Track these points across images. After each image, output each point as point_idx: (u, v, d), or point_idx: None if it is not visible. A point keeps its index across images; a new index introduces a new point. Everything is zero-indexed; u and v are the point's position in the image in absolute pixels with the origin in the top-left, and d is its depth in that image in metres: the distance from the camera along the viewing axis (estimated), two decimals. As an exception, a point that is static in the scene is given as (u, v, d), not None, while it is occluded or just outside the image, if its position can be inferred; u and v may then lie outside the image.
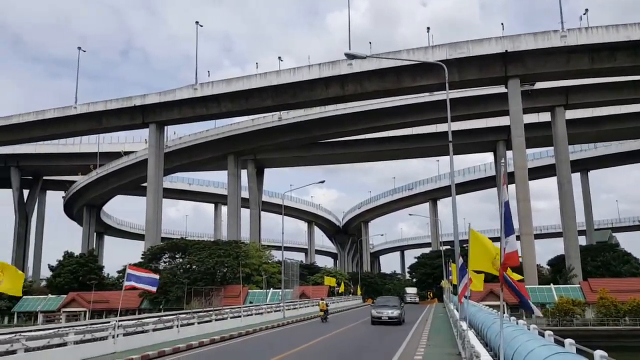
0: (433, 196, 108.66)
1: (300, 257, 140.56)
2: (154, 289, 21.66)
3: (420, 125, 73.21)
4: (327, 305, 34.90)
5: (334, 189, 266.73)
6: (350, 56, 23.77)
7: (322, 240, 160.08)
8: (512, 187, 53.93)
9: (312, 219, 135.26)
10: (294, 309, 42.78)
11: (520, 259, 45.82)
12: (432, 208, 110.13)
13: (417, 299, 69.59)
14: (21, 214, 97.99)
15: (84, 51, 77.49)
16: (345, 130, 73.00)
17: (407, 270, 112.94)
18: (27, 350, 15.18)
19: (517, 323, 14.07)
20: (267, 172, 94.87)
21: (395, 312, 30.37)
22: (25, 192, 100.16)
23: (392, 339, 22.14)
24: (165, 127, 71.40)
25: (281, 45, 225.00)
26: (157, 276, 21.93)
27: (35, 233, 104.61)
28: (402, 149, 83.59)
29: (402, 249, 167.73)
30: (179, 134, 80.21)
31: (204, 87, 64.19)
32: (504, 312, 9.44)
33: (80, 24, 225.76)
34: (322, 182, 45.67)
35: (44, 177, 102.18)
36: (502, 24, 55.94)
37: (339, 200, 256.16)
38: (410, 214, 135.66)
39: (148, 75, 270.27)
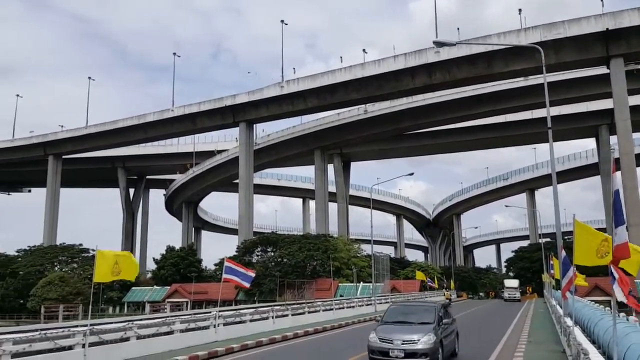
0: (530, 186, 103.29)
1: (389, 250, 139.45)
2: (247, 284, 22.41)
3: (514, 111, 69.80)
4: (450, 295, 35.21)
5: (422, 180, 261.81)
6: (439, 44, 23.13)
7: (411, 233, 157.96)
8: (617, 174, 49.94)
9: (401, 212, 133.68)
10: (386, 302, 42.53)
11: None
12: (529, 199, 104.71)
13: (519, 295, 60.85)
14: (128, 211, 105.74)
15: (179, 56, 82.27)
16: (434, 120, 71.25)
17: (503, 264, 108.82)
18: (138, 337, 16.31)
19: (627, 320, 13.05)
20: (354, 165, 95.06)
21: (421, 340, 12.68)
22: (131, 191, 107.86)
23: (490, 334, 21.32)
24: (254, 125, 73.67)
25: (364, 37, 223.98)
26: (252, 273, 22.67)
27: (141, 228, 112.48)
28: (495, 138, 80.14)
29: (497, 242, 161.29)
30: (267, 132, 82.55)
31: (290, 84, 65.41)
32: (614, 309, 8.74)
33: (176, 31, 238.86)
34: (411, 174, 45.05)
35: (147, 177, 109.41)
36: (601, 0, 51.66)
37: (427, 192, 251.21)
38: (506, 205, 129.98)
39: (237, 75, 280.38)
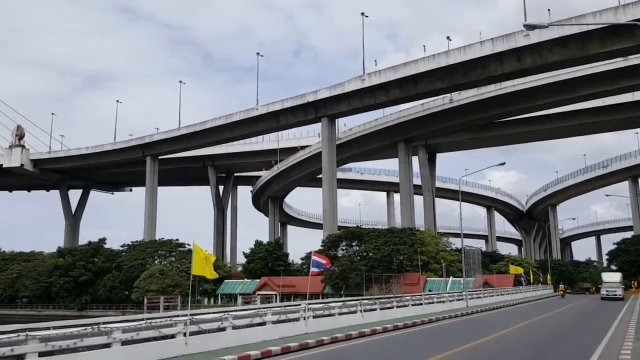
0: (633, 173, 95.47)
1: (479, 244, 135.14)
2: (336, 269, 22.69)
3: (613, 94, 64.75)
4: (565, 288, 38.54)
5: (513, 170, 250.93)
6: (530, 27, 21.85)
7: (503, 226, 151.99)
8: None
9: (491, 204, 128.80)
10: (478, 298, 41.16)
11: None
12: (632, 187, 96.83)
13: (620, 292, 49.84)
14: (218, 208, 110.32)
15: (262, 56, 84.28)
16: (525, 106, 67.77)
17: (605, 257, 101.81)
18: (234, 328, 16.87)
19: None
20: (439, 157, 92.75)
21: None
22: (221, 188, 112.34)
23: (595, 329, 19.87)
24: (336, 120, 73.90)
25: (446, 25, 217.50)
26: (333, 267, 22.95)
27: (231, 224, 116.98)
28: (593, 123, 74.81)
29: (597, 233, 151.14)
30: (349, 126, 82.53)
31: (371, 77, 64.86)
32: None
33: (258, 31, 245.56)
34: (502, 164, 43.11)
35: (235, 174, 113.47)
36: None
37: (519, 182, 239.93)
38: (606, 195, 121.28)
39: (318, 71, 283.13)
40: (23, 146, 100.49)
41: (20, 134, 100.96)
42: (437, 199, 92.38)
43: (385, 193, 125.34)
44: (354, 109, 68.88)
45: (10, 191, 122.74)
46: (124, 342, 13.20)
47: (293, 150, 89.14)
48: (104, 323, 13.29)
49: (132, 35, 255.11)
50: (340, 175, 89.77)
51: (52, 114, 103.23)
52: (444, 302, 34.24)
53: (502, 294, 47.51)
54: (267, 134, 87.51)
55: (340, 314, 22.98)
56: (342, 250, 63.84)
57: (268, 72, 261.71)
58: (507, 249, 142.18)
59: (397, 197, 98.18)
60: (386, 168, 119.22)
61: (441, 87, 61.66)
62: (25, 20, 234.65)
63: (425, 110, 72.17)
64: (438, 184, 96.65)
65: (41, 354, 11.42)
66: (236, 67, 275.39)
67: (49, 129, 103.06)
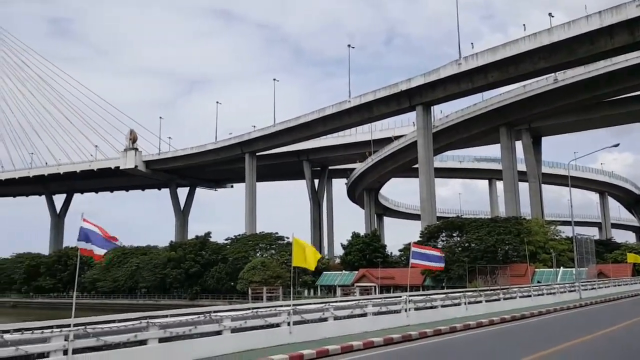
0: None
1: (592, 232, 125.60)
2: (440, 265, 22.01)
3: None
4: None
5: (627, 152, 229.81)
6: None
7: (618, 212, 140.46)
8: None
9: (605, 189, 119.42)
10: (592, 289, 38.37)
11: None
12: None
13: None
14: (314, 201, 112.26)
15: (353, 48, 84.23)
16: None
17: None
18: (335, 318, 17.02)
19: None
20: (545, 141, 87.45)
21: None
22: (316, 182, 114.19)
23: None
24: (432, 107, 72.09)
25: (546, 1, 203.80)
26: (442, 254, 22.26)
27: (327, 216, 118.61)
28: None
29: None
30: (446, 112, 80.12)
31: (468, 61, 62.41)
32: None
33: (348, 23, 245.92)
34: (616, 145, 39.74)
35: (329, 167, 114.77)
36: None
37: (635, 164, 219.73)
38: None
39: (411, 59, 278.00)
40: (136, 149, 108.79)
41: (133, 138, 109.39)
42: (543, 186, 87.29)
43: (486, 181, 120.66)
44: (451, 95, 66.74)
45: (127, 190, 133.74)
46: (234, 330, 13.80)
47: (387, 141, 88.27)
48: (215, 312, 13.98)
49: (228, 37, 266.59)
50: (438, 164, 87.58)
51: (160, 117, 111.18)
52: (554, 293, 32.32)
53: (619, 285, 44.04)
54: (360, 125, 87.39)
55: (443, 306, 22.45)
56: (442, 241, 62.30)
57: (359, 64, 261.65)
58: (624, 237, 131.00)
59: (499, 184, 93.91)
60: (487, 155, 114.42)
61: (544, 66, 57.96)
62: (134, 33, 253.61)
63: (527, 92, 68.21)
64: (544, 170, 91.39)
65: (161, 340, 12.25)
66: (327, 61, 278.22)
67: (158, 132, 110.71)
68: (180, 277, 73.54)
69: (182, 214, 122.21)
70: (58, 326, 11.08)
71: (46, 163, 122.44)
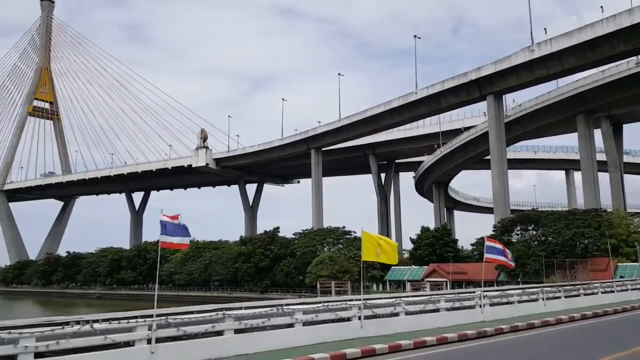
0: None
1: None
2: (512, 263, 21.45)
3: None
4: None
5: None
6: None
7: None
8: None
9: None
10: (684, 285, 35.67)
11: None
12: None
13: None
14: (381, 195, 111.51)
15: (419, 38, 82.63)
16: None
17: None
18: (407, 313, 16.86)
19: None
20: (626, 128, 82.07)
21: None
22: (382, 176, 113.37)
23: None
24: (503, 96, 69.49)
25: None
26: (510, 256, 21.72)
27: (394, 211, 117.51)
28: None
29: None
30: (518, 101, 76.98)
31: (541, 47, 59.57)
32: None
33: (413, 12, 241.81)
34: None
35: (396, 161, 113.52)
36: None
37: None
38: None
39: (479, 47, 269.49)
40: (207, 147, 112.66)
41: (204, 137, 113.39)
42: (625, 176, 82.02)
43: (563, 172, 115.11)
44: (523, 83, 64.04)
45: (199, 187, 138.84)
46: (305, 323, 13.99)
47: (456, 132, 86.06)
48: (287, 305, 14.23)
49: (292, 34, 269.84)
50: (511, 155, 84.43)
51: (229, 116, 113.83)
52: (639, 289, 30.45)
53: None
54: (428, 117, 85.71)
55: (519, 301, 21.73)
56: (517, 235, 60.04)
57: (425, 54, 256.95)
58: None
59: (577, 175, 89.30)
60: (563, 144, 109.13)
61: (625, 50, 54.42)
62: (202, 35, 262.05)
63: (606, 77, 64.15)
64: (626, 159, 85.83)
65: (236, 331, 12.63)
66: (391, 53, 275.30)
67: (227, 130, 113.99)
68: (251, 270, 75.44)
69: (250, 210, 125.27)
70: (142, 316, 11.67)
71: (125, 163, 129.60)
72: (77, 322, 10.76)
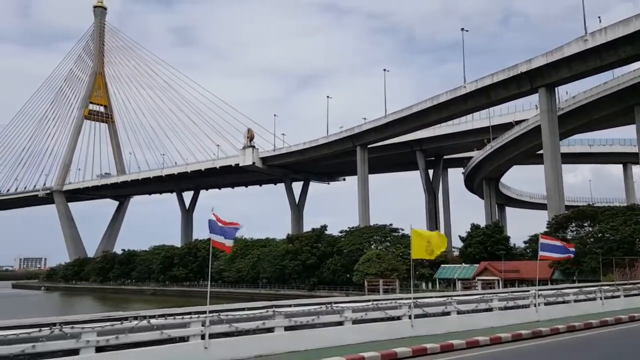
0: None
1: None
2: (567, 255, 20.71)
3: None
4: None
5: None
6: None
7: None
8: None
9: None
10: None
11: None
12: None
13: None
14: (429, 192, 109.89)
15: (467, 31, 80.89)
16: None
17: None
18: (458, 312, 16.55)
19: None
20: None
21: None
22: (430, 172, 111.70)
23: None
24: (556, 89, 67.10)
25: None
26: (571, 247, 20.96)
27: (443, 208, 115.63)
28: None
29: None
30: (572, 93, 74.13)
31: (595, 36, 57.13)
32: None
33: (461, 5, 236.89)
34: None
35: (444, 157, 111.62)
36: None
37: None
38: None
39: (529, 38, 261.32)
40: (253, 146, 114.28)
41: (250, 136, 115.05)
42: (690, 169, 77.59)
43: (620, 165, 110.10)
44: (577, 74, 61.59)
45: (246, 186, 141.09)
46: (355, 321, 13.97)
47: (506, 126, 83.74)
48: (336, 303, 14.23)
49: (337, 31, 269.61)
50: (565, 149, 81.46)
51: (275, 115, 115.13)
52: None
53: None
54: (477, 111, 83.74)
55: (576, 301, 20.97)
56: (572, 232, 57.89)
57: (473, 47, 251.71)
58: None
59: (635, 169, 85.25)
60: (621, 137, 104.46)
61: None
62: (248, 36, 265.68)
63: (667, 65, 60.95)
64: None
65: (286, 328, 12.74)
66: (439, 46, 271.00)
67: (273, 129, 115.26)
68: (298, 268, 76.01)
69: (297, 208, 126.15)
70: (195, 313, 11.96)
71: (175, 163, 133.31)
72: (135, 318, 11.14)
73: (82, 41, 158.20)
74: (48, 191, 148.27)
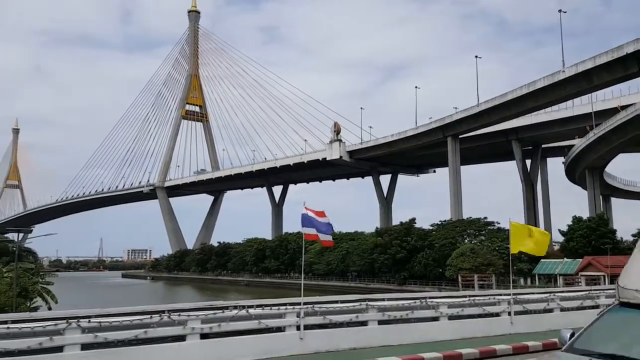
0: None
1: None
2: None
3: None
4: None
5: None
6: None
7: None
8: None
9: None
10: None
11: None
12: None
13: None
14: (527, 183, 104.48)
15: (565, 12, 75.84)
16: None
17: None
18: (562, 309, 15.63)
19: None
20: None
21: None
22: (528, 162, 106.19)
23: None
24: (673, 69, 61.17)
25: None
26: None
27: (542, 199, 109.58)
28: None
29: None
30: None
31: None
32: None
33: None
34: None
35: (543, 146, 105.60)
36: None
37: None
38: None
39: (636, 16, 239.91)
40: (340, 140, 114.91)
41: (337, 130, 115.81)
42: None
43: None
44: (692, 51, 55.79)
45: (334, 180, 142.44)
46: (450, 317, 13.62)
47: (611, 112, 77.48)
48: (430, 298, 13.97)
49: (424, 20, 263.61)
50: (679, 135, 74.04)
51: (361, 108, 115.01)
52: None
53: None
54: (577, 97, 78.35)
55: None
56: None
57: (572, 29, 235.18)
58: None
59: None
60: None
61: None
62: (332, 30, 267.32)
63: None
64: None
65: (380, 322, 12.71)
66: (533, 30, 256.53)
67: (359, 122, 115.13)
68: (388, 262, 75.56)
69: (385, 201, 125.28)
70: (290, 304, 12.26)
71: (265, 158, 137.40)
72: (235, 307, 11.63)
73: (178, 45, 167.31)
74: (152, 187, 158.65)
